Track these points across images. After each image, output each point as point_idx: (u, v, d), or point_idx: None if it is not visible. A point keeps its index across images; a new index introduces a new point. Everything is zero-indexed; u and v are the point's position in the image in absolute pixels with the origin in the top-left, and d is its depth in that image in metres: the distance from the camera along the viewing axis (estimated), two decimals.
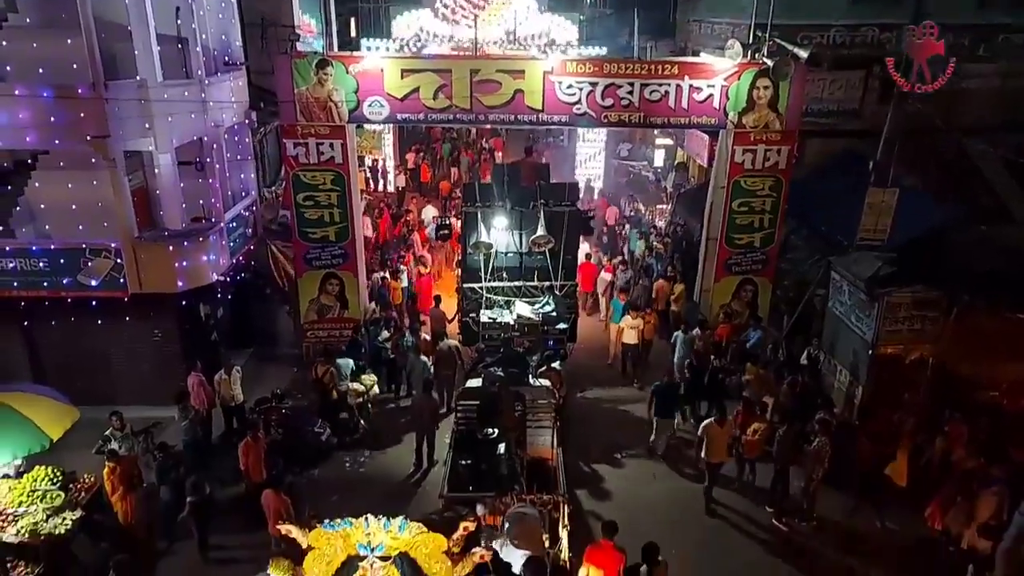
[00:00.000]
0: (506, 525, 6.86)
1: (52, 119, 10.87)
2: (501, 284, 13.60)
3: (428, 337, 14.04)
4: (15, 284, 11.93)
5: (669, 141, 24.90)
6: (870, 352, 11.38)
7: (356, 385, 12.72)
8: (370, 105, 13.21)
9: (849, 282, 11.99)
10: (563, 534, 8.11)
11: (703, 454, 10.29)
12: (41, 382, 11.59)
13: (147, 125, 11.60)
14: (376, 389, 13.21)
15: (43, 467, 9.63)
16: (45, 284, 11.93)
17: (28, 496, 9.12)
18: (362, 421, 12.62)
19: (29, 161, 12.53)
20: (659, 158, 26.35)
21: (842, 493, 10.65)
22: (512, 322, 12.78)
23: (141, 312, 12.48)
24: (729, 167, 13.94)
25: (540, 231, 12.76)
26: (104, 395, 12.02)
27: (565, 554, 7.83)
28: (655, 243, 18.80)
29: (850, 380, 12.06)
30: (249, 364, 13.92)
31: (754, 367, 12.33)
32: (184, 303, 12.72)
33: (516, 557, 6.46)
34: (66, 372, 12.29)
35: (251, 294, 15.35)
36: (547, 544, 7.68)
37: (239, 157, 15.49)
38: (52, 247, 12.06)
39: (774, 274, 14.79)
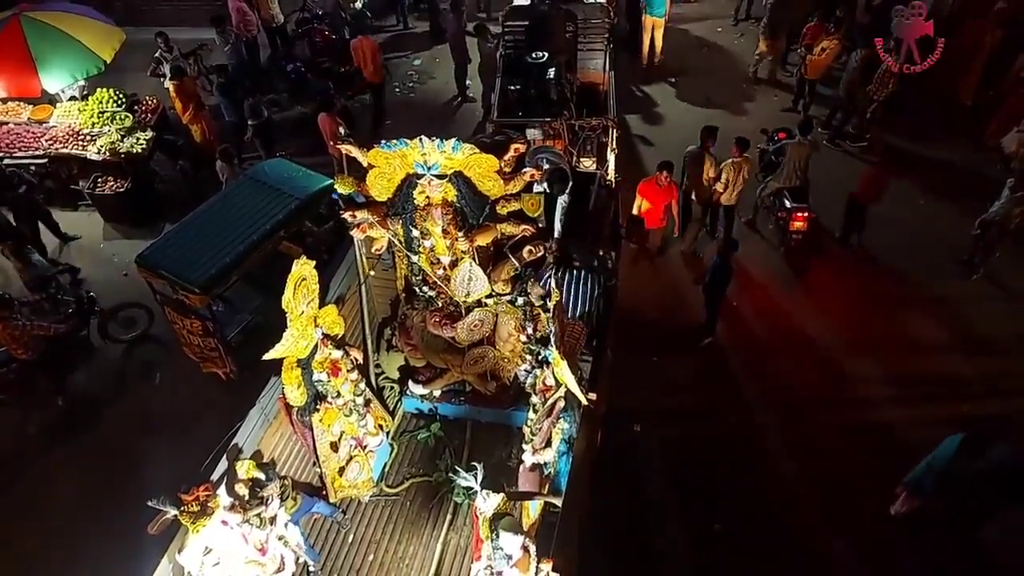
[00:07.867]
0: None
1: None
2: None
3: None
4: None
5: None
6: None
7: None
8: None
9: None
10: (610, 157, 8.31)
11: None
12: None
13: None
14: None
15: (105, 89, 9.87)
16: None
17: (98, 118, 9.53)
18: None
19: None
20: None
21: (905, 115, 10.28)
22: None
23: None
24: None
25: None
26: (142, 15, 11.77)
27: (612, 175, 8.13)
28: None
29: None
30: None
31: None
32: None
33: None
34: None
35: None
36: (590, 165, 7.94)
37: None
38: None
39: None
